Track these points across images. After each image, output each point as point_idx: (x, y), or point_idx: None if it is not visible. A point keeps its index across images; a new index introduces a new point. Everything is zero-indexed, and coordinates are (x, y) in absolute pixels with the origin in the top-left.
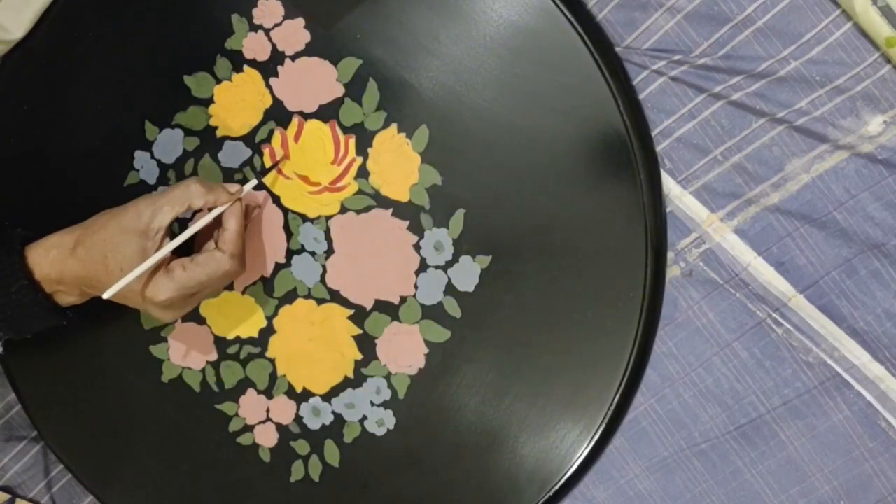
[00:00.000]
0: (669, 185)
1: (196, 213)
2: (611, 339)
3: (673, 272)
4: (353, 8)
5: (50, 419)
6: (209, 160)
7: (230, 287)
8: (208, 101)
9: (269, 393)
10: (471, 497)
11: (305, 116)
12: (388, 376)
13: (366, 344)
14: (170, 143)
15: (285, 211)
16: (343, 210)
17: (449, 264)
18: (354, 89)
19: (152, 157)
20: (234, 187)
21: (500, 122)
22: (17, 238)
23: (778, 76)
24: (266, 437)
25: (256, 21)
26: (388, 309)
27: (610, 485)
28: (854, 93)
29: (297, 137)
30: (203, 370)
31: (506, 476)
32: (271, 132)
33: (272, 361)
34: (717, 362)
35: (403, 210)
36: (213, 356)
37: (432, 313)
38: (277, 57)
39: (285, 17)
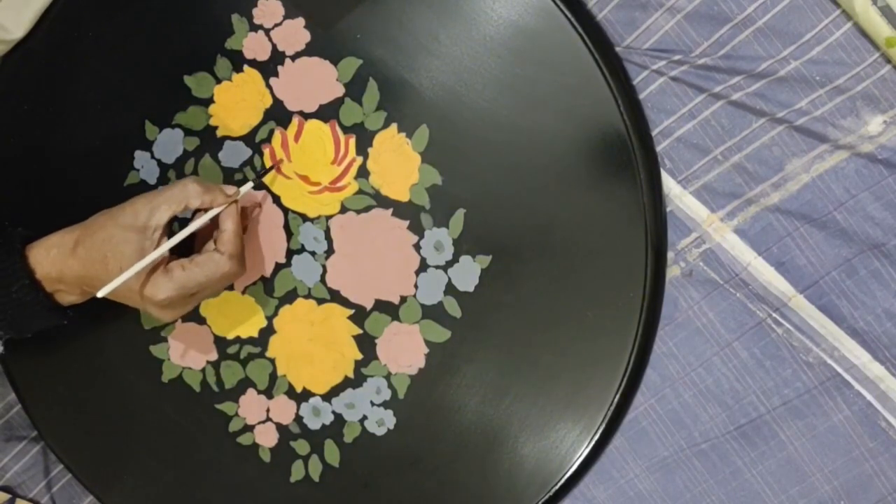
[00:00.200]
0: (669, 185)
1: (195, 212)
2: (611, 339)
3: (673, 272)
4: (353, 8)
5: (50, 419)
6: (209, 160)
7: (230, 287)
8: (208, 101)
9: (269, 393)
10: (471, 497)
11: (305, 116)
12: (388, 376)
13: (366, 344)
14: (170, 143)
15: (285, 211)
16: (343, 210)
17: (449, 264)
18: (354, 89)
19: (152, 157)
20: (230, 189)
21: (500, 122)
22: (17, 237)
23: (778, 76)
24: (266, 437)
25: (256, 21)
26: (389, 309)
27: (610, 485)
28: (854, 93)
29: (297, 137)
30: (203, 370)
31: (506, 476)
32: (271, 132)
33: (272, 361)
34: (717, 362)
35: (403, 210)
36: (214, 356)
37: (432, 313)
38: (277, 57)
39: (285, 17)
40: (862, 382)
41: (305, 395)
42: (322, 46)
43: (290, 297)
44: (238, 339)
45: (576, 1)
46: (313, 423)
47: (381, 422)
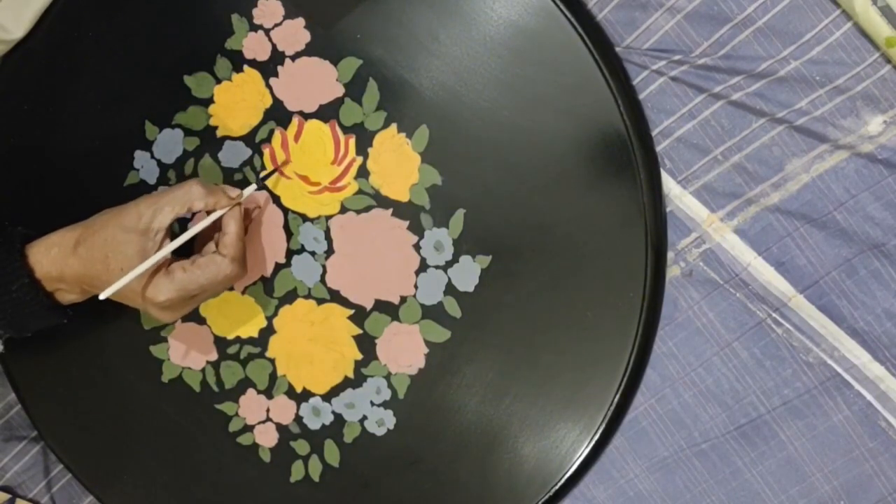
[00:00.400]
0: (669, 185)
1: (196, 213)
2: (611, 339)
3: (673, 272)
4: (353, 8)
5: (50, 419)
6: (209, 160)
7: (230, 287)
8: (208, 101)
9: (269, 393)
10: (471, 497)
11: (305, 116)
12: (388, 376)
13: (366, 344)
14: (170, 143)
15: (285, 211)
16: (343, 210)
17: (449, 264)
18: (354, 89)
19: (152, 157)
20: (234, 191)
21: (500, 122)
22: (17, 236)
23: (778, 76)
24: (266, 437)
25: (256, 21)
26: (388, 309)
27: (610, 485)
28: (854, 93)
29: (297, 137)
30: (203, 370)
31: (506, 476)
32: (271, 132)
33: (272, 361)
34: (717, 362)
35: (403, 210)
36: (214, 356)
37: (432, 313)
38: (277, 57)
39: (285, 17)
40: (862, 382)
41: (305, 395)
42: (322, 46)
43: (290, 297)
44: (238, 340)
45: (576, 1)
46: (313, 423)
47: (381, 422)
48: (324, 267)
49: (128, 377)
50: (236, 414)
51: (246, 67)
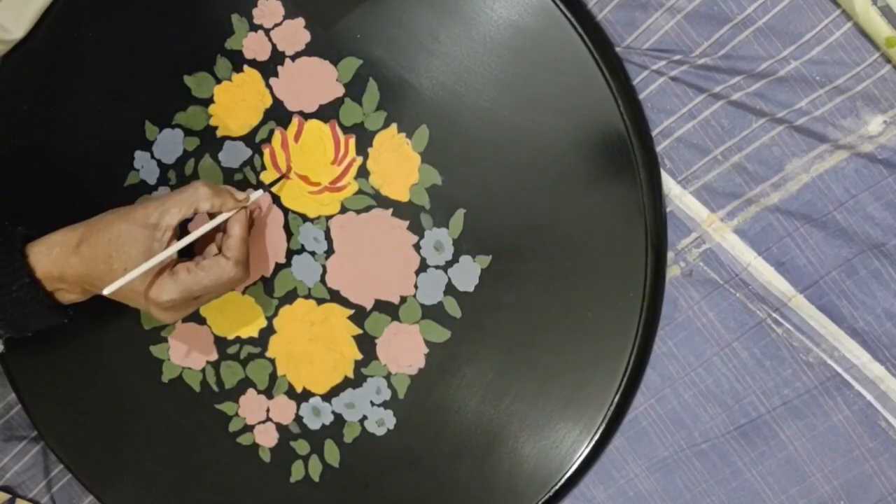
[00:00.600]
0: (669, 185)
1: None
2: (611, 339)
3: (673, 272)
4: (353, 8)
5: (50, 419)
6: (209, 160)
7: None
8: (208, 101)
9: (269, 393)
10: (471, 497)
11: (305, 116)
12: (388, 376)
13: (366, 344)
14: (170, 143)
15: (285, 211)
16: (343, 210)
17: (449, 264)
18: (354, 89)
19: (152, 157)
20: (240, 194)
21: (500, 122)
22: (17, 236)
23: (778, 76)
24: (266, 437)
25: (256, 21)
26: (388, 309)
27: (610, 485)
28: (854, 93)
29: (297, 137)
30: (203, 370)
31: (506, 476)
32: (271, 132)
33: (272, 361)
34: (717, 362)
35: (403, 210)
36: (214, 356)
37: (432, 313)
38: (277, 57)
39: (285, 17)
40: (862, 382)
41: (305, 395)
42: (322, 46)
43: (290, 297)
44: (238, 340)
45: (576, 1)
46: (313, 423)
47: (381, 422)
48: (324, 267)
49: (128, 377)
50: (236, 414)
51: (246, 67)
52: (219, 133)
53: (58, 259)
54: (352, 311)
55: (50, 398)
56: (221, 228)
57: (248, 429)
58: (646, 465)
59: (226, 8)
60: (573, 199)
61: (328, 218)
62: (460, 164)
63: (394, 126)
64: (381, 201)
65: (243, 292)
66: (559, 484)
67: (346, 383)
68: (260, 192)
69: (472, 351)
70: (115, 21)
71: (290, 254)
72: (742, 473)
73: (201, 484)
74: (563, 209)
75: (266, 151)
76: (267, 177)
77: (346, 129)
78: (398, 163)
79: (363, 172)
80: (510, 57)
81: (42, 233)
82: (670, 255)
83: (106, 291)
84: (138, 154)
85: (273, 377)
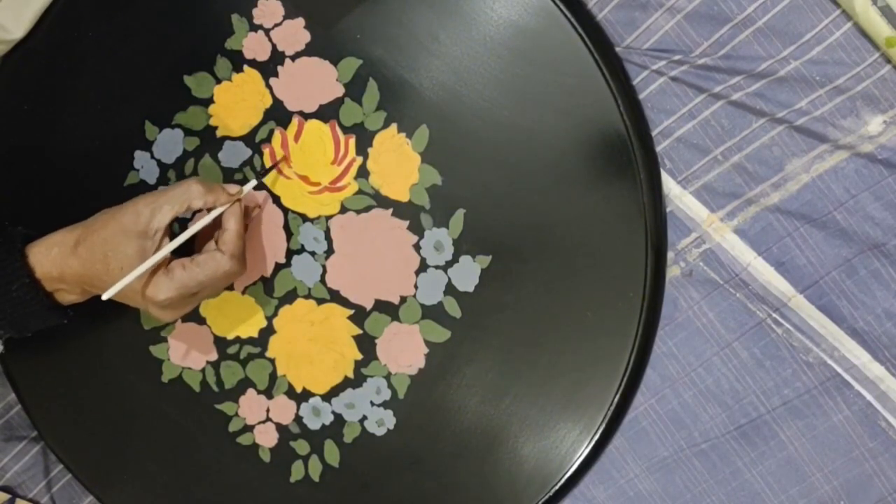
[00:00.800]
0: (669, 185)
1: (196, 212)
2: (611, 339)
3: (673, 272)
4: (353, 8)
5: (50, 419)
6: (209, 160)
7: (230, 287)
8: (208, 101)
9: (269, 393)
10: (471, 497)
11: (305, 116)
12: (388, 376)
13: (366, 344)
14: (170, 143)
15: (285, 211)
16: (343, 210)
17: (449, 264)
18: (354, 89)
19: (152, 157)
20: (233, 188)
21: (500, 122)
22: (17, 236)
23: (778, 76)
24: (266, 437)
25: (256, 21)
26: (388, 309)
27: (610, 485)
28: (854, 93)
29: (297, 137)
30: (203, 370)
31: (506, 476)
32: (271, 132)
33: (272, 361)
34: (717, 362)
35: (403, 210)
36: (213, 356)
37: (432, 313)
38: (277, 57)
39: (285, 17)
40: (862, 382)
41: (305, 395)
42: (322, 46)
43: (289, 297)
44: (238, 340)
45: (576, 1)
46: (313, 424)
47: (381, 422)
48: (324, 267)
49: (128, 377)
50: (236, 414)
51: (246, 67)
52: (219, 133)
53: (56, 259)
54: (352, 311)
55: (50, 398)
56: (219, 224)
57: (248, 429)
58: (646, 465)
59: (226, 8)
60: (573, 199)
61: (328, 218)
62: (460, 164)
63: (394, 126)
64: (381, 201)
65: (243, 292)
66: (559, 484)
67: (346, 383)
68: (253, 183)
69: (472, 351)
70: (115, 21)
71: (289, 254)
72: (742, 473)
73: (201, 484)
74: (563, 209)
75: (266, 151)
76: (268, 178)
77: (346, 129)
78: (398, 163)
79: (363, 172)
80: (510, 57)
81: (42, 232)
82: (670, 255)
83: (105, 296)
84: (138, 154)
85: (273, 377)
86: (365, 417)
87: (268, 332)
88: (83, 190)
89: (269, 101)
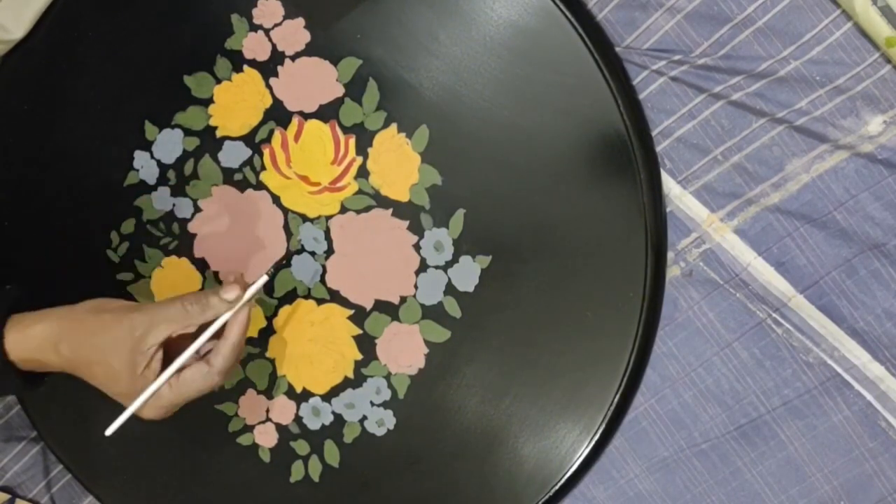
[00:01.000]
0: (669, 185)
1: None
2: (611, 339)
3: (673, 272)
4: (353, 8)
5: (50, 419)
6: (209, 160)
7: None
8: (208, 101)
9: (268, 393)
10: (471, 497)
11: (305, 116)
12: (388, 376)
13: (366, 344)
14: (170, 143)
15: (285, 211)
16: (343, 210)
17: (449, 264)
18: (354, 89)
19: (152, 157)
20: (231, 292)
21: (500, 122)
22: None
23: (778, 76)
24: (266, 438)
25: (256, 21)
26: (388, 309)
27: (610, 485)
28: (854, 93)
29: (297, 137)
30: None
31: (506, 476)
32: (271, 132)
33: (272, 361)
34: (717, 362)
35: (403, 210)
36: None
37: (432, 313)
38: (277, 57)
39: (285, 17)
40: (862, 382)
41: (305, 395)
42: (322, 46)
43: (289, 297)
44: None
45: (576, 1)
46: (313, 424)
47: (381, 422)
48: (324, 267)
49: None
50: (236, 414)
51: (246, 67)
52: (218, 133)
53: (35, 352)
54: (352, 312)
55: (50, 398)
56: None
57: (247, 429)
58: (646, 465)
59: (226, 8)
60: (573, 199)
61: (328, 218)
62: (460, 164)
63: (394, 126)
64: (381, 201)
65: None
66: (559, 484)
67: (346, 383)
68: (261, 281)
69: (472, 351)
70: (115, 21)
71: (289, 254)
72: (742, 473)
73: (201, 484)
74: (563, 209)
75: (266, 151)
76: (266, 177)
77: (346, 129)
78: (398, 163)
79: (363, 172)
80: (510, 57)
81: (42, 236)
82: (670, 255)
83: (107, 433)
84: (138, 154)
85: (273, 377)
86: (365, 417)
87: (267, 332)
88: (83, 190)
89: (268, 101)
